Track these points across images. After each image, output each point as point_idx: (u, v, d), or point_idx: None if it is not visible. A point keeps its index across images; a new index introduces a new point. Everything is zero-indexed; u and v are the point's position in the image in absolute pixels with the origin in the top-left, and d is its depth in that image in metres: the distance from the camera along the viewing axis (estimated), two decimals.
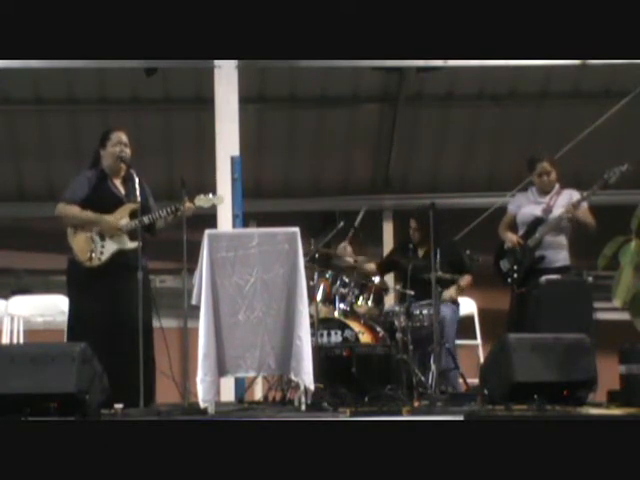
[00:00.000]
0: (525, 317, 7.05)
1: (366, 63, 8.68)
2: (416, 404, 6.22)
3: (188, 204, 6.42)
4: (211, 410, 5.89)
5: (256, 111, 10.03)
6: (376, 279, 7.60)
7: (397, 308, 7.39)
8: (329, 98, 10.11)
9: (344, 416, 5.66)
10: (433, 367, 6.98)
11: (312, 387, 6.00)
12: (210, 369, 5.96)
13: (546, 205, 7.31)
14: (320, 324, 6.97)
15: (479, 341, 8.28)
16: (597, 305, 7.04)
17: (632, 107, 9.24)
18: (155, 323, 6.47)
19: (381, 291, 7.57)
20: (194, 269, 6.20)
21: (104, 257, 6.42)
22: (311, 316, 6.52)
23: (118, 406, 5.82)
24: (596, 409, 5.91)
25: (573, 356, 6.03)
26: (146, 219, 6.39)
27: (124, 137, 6.57)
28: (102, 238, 6.44)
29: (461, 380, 7.47)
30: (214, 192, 7.02)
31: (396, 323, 7.26)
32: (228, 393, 7.42)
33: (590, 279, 7.03)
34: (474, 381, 6.97)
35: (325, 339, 7.06)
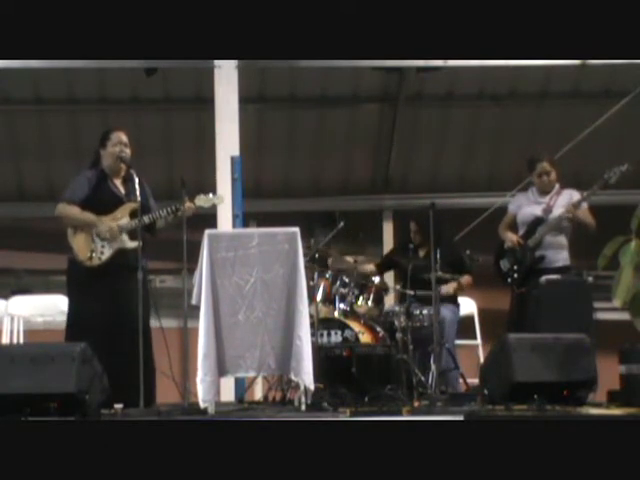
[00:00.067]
0: (525, 317, 7.05)
1: (366, 63, 8.68)
2: (416, 404, 6.22)
3: (188, 204, 6.42)
4: (211, 410, 5.89)
5: (256, 111, 10.03)
6: (376, 279, 7.60)
7: (397, 308, 7.39)
8: (329, 98, 10.11)
9: (344, 416, 5.66)
10: (433, 367, 6.98)
11: (312, 387, 6.00)
12: (210, 369, 5.96)
13: (546, 205, 7.31)
14: (320, 324, 6.97)
15: (479, 341, 8.28)
16: (597, 305, 7.04)
17: (632, 107, 9.24)
18: (155, 323, 6.47)
19: (381, 291, 7.57)
20: (194, 269, 6.20)
21: (104, 257, 6.42)
22: (311, 316, 6.52)
23: (118, 406, 5.82)
24: (596, 409, 5.91)
25: (573, 356, 6.03)
26: (146, 219, 6.39)
27: (124, 137, 6.58)
28: (102, 238, 6.44)
29: (461, 380, 7.48)
30: (214, 192, 7.02)
31: (396, 323, 7.26)
32: (228, 393, 7.42)
33: (590, 279, 7.03)
34: (474, 381, 6.97)
35: (325, 339, 7.06)
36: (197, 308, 6.08)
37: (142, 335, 6.03)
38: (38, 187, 10.26)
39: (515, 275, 7.27)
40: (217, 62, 8.06)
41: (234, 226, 7.83)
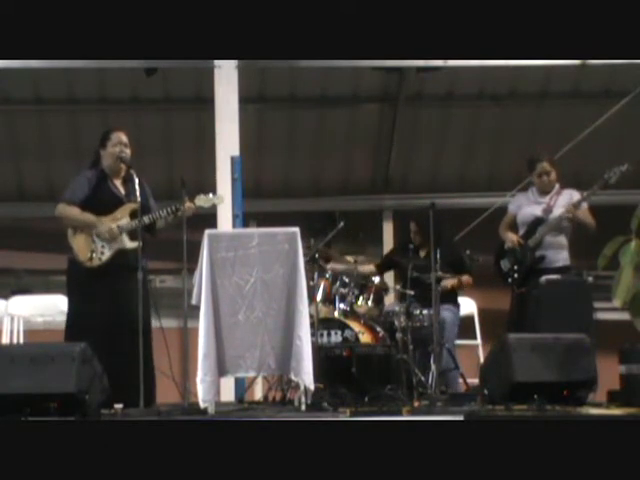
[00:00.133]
0: (525, 317, 7.05)
1: (366, 63, 8.68)
2: (416, 404, 6.22)
3: (188, 204, 6.42)
4: (211, 410, 5.89)
5: (256, 111, 10.03)
6: (376, 279, 7.60)
7: (397, 308, 7.39)
8: (329, 98, 10.11)
9: (344, 416, 5.67)
10: (433, 367, 6.98)
11: (312, 387, 6.00)
12: (210, 369, 5.96)
13: (546, 205, 7.30)
14: (320, 324, 6.97)
15: (479, 341, 8.29)
16: (597, 305, 7.04)
17: (632, 107, 9.24)
18: (155, 323, 6.47)
19: (381, 291, 7.57)
20: (194, 269, 6.20)
21: (104, 257, 6.42)
22: (311, 316, 6.52)
23: (118, 406, 5.82)
24: (596, 409, 5.91)
25: (573, 356, 6.03)
26: (146, 219, 6.39)
27: (124, 137, 6.57)
28: (102, 239, 6.44)
29: (461, 380, 7.48)
30: (214, 192, 7.02)
31: (396, 323, 7.26)
32: (228, 393, 7.42)
33: (590, 279, 7.03)
34: (474, 381, 6.98)
35: (325, 339, 7.06)
36: (197, 308, 6.08)
37: (143, 335, 6.03)
38: (38, 187, 10.26)
39: (515, 275, 7.27)
40: (217, 62, 8.06)
41: (234, 226, 7.83)
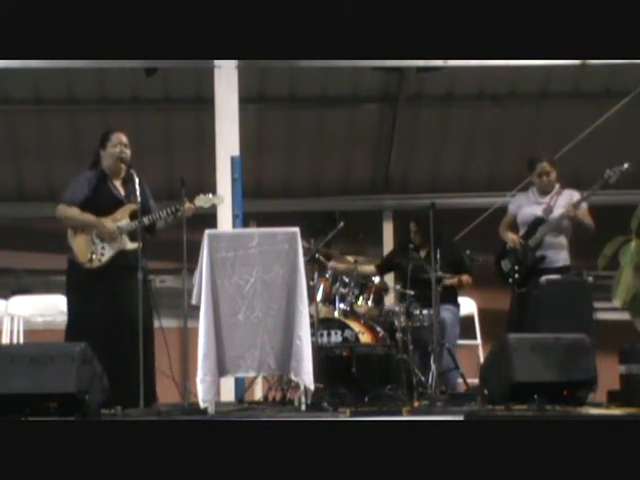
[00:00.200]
0: (525, 317, 7.05)
1: (366, 63, 8.68)
2: (416, 404, 6.23)
3: (188, 204, 6.41)
4: (211, 410, 5.89)
5: (256, 111, 10.03)
6: (376, 279, 7.60)
7: (397, 308, 7.39)
8: (329, 98, 10.11)
9: (344, 416, 5.67)
10: (433, 367, 6.98)
11: (312, 387, 6.00)
12: (210, 369, 5.96)
13: (546, 205, 7.30)
14: (320, 324, 6.98)
15: (479, 341, 8.29)
16: (597, 305, 7.04)
17: (632, 107, 9.24)
18: (155, 323, 6.47)
19: (381, 291, 7.57)
20: (194, 269, 6.20)
21: (104, 258, 6.42)
22: (311, 316, 6.52)
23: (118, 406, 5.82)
24: (596, 409, 5.91)
25: (573, 356, 6.03)
26: (146, 220, 6.38)
27: (124, 138, 6.57)
28: (102, 239, 6.44)
29: (461, 380, 7.48)
30: (214, 192, 7.02)
31: (396, 323, 7.26)
32: (228, 393, 7.42)
33: (590, 279, 7.03)
34: (474, 381, 6.98)
35: (325, 339, 7.06)
36: (197, 308, 6.08)
37: (145, 335, 6.03)
38: (38, 187, 10.26)
39: (516, 275, 7.27)
40: (217, 62, 8.06)
41: (234, 226, 7.82)
